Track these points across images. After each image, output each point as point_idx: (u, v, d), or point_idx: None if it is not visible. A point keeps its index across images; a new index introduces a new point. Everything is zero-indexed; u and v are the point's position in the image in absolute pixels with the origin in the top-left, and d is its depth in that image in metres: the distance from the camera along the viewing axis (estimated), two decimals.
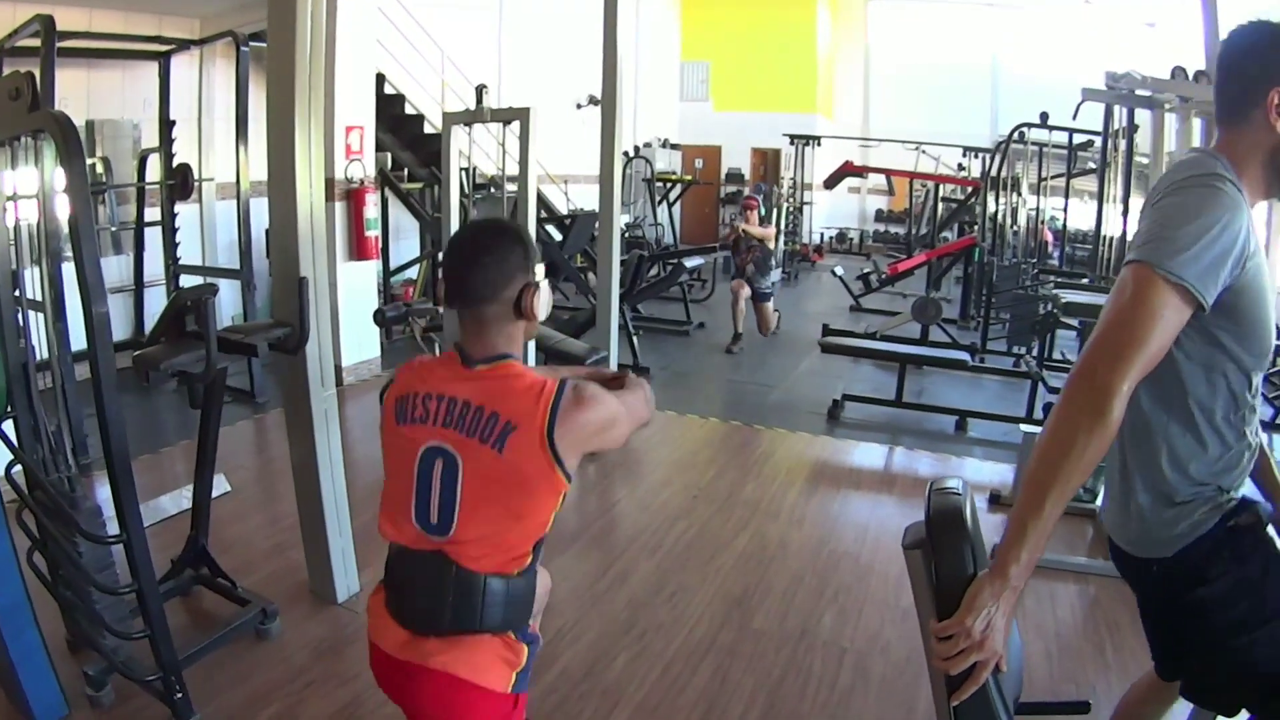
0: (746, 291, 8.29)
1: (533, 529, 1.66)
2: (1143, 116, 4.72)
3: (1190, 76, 3.27)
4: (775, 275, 8.81)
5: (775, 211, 13.11)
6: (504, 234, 1.71)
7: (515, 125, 4.38)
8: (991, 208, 9.15)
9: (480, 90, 4.07)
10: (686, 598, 3.46)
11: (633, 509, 4.36)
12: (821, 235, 17.21)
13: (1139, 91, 3.42)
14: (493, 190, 7.43)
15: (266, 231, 6.28)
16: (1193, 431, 1.56)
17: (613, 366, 5.42)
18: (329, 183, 5.63)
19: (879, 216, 18.65)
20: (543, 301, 1.71)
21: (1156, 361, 1.37)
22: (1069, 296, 4.19)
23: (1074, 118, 4.53)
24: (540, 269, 1.73)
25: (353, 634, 3.06)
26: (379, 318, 5.03)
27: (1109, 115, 5.91)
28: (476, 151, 6.92)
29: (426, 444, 1.64)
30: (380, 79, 7.27)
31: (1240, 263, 1.42)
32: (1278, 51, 1.50)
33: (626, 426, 1.75)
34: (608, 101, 5.14)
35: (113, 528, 2.33)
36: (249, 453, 4.93)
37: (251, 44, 5.17)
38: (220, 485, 3.86)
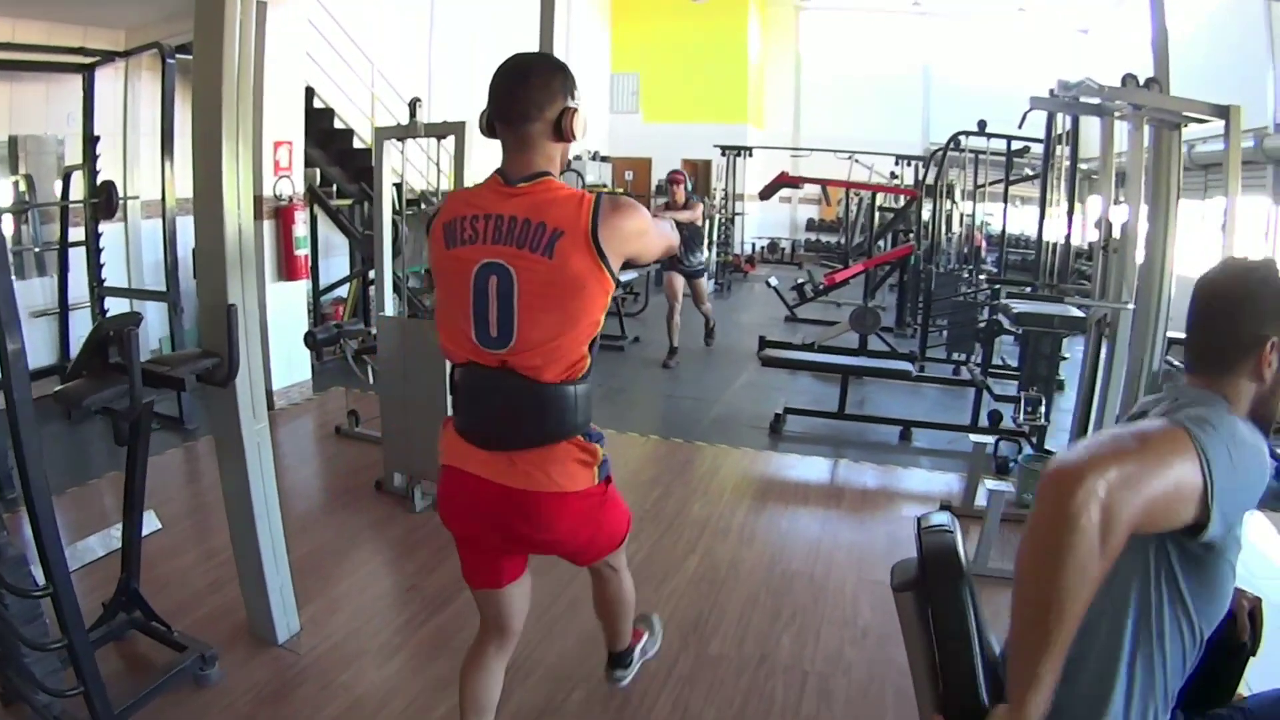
0: (680, 303, 8.05)
1: (586, 330, 1.83)
2: (1087, 122, 4.79)
3: (1141, 83, 3.30)
4: (706, 257, 8.86)
5: (707, 223, 13.12)
6: (547, 60, 1.91)
7: (449, 141, 4.25)
8: (928, 216, 9.26)
9: (414, 104, 3.94)
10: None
11: None
12: (753, 245, 17.35)
13: (1085, 99, 3.44)
14: (423, 206, 7.26)
15: (192, 251, 6.02)
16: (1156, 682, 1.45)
17: None
18: (257, 200, 5.42)
19: (810, 226, 18.91)
20: (580, 123, 1.85)
21: (1151, 521, 1.24)
22: (1020, 307, 4.22)
23: (1020, 126, 4.56)
24: (580, 95, 1.89)
25: (296, 676, 2.90)
26: (310, 340, 4.87)
27: (1051, 121, 6.02)
28: (408, 167, 6.76)
29: (480, 262, 1.80)
30: (309, 93, 7.06)
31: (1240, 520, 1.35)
32: (1268, 294, 1.46)
33: (656, 240, 1.96)
34: None
35: (38, 569, 2.16)
36: (179, 484, 4.68)
37: (178, 56, 4.94)
38: (150, 523, 3.65)
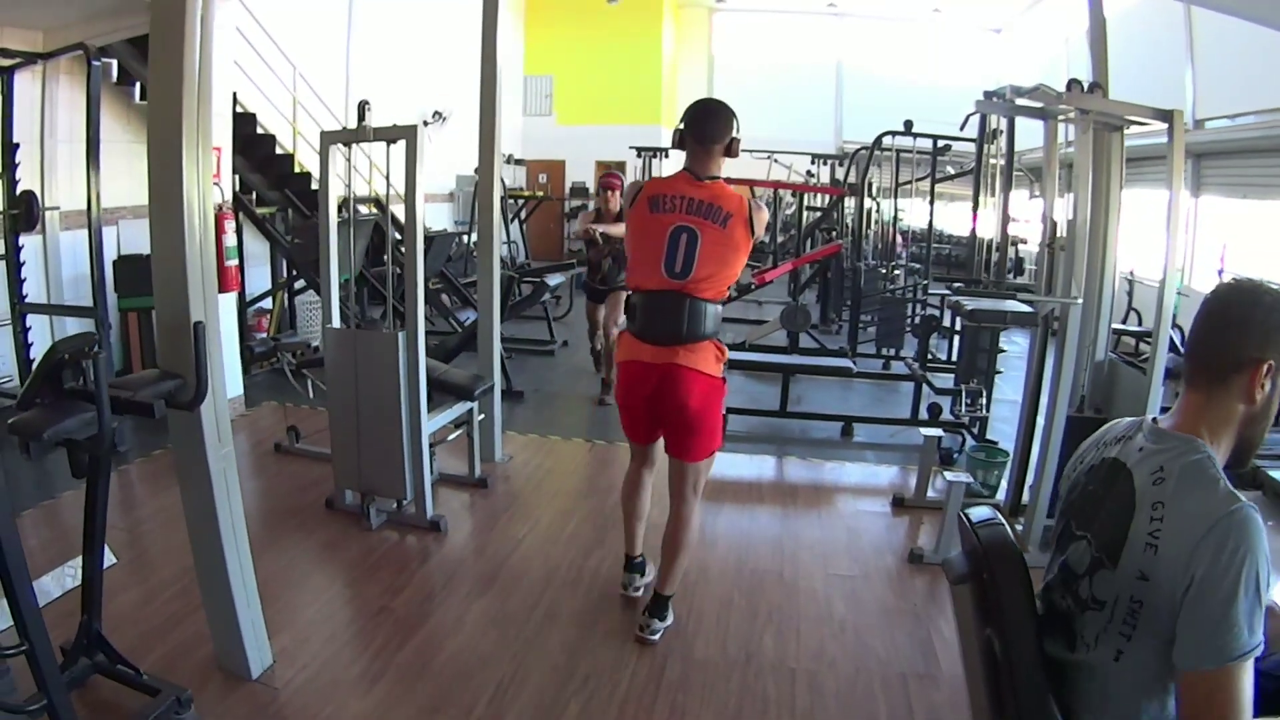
0: (620, 319, 6.13)
1: (734, 273, 3.03)
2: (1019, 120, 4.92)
3: (1085, 88, 3.42)
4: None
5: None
6: (725, 106, 3.04)
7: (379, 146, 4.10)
8: (854, 214, 9.38)
9: (363, 107, 3.79)
10: (621, 633, 3.32)
11: (541, 543, 4.14)
12: None
13: (1030, 103, 3.54)
14: (343, 212, 6.99)
15: (114, 264, 5.72)
16: None
17: (496, 394, 5.19)
18: None
19: None
20: (738, 146, 3.02)
21: None
22: (972, 304, 4.31)
23: (962, 127, 4.66)
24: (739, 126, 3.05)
25: (277, 713, 2.73)
26: (249, 354, 4.66)
27: (985, 121, 6.17)
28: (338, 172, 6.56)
29: (674, 224, 2.92)
30: (233, 99, 6.79)
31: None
32: (1274, 320, 1.52)
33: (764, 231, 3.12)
34: (486, 117, 4.95)
35: None
36: (116, 512, 4.29)
37: (103, 59, 4.64)
38: (106, 558, 3.40)
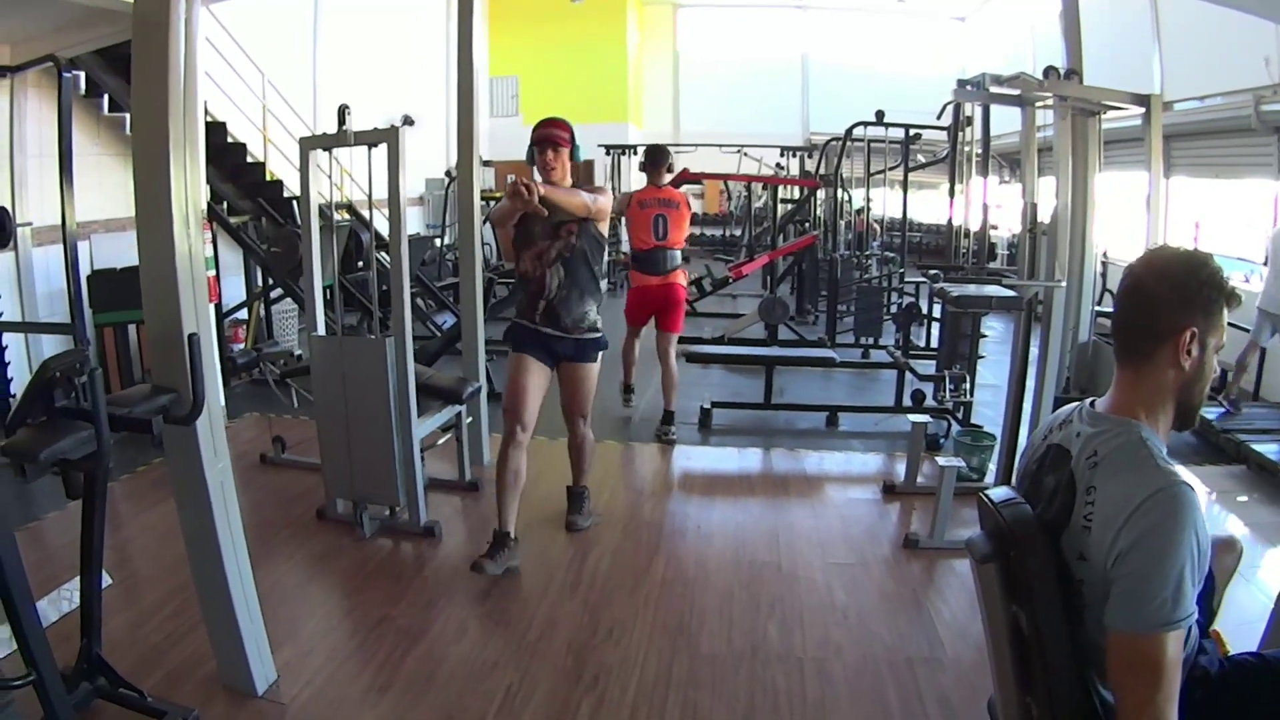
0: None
1: (686, 233, 5.89)
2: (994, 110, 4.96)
3: (1062, 75, 3.46)
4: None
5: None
6: (663, 146, 6.10)
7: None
8: (828, 205, 9.42)
9: (343, 111, 3.73)
10: (625, 634, 3.30)
11: (537, 545, 4.10)
12: None
13: (1008, 90, 3.57)
14: (322, 219, 6.94)
15: (89, 279, 5.61)
16: None
17: (483, 397, 5.15)
18: None
19: (693, 220, 19.10)
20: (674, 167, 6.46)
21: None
22: (956, 290, 4.35)
23: (940, 116, 4.69)
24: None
25: None
26: (230, 365, 4.59)
27: (959, 110, 6.21)
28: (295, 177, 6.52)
29: (655, 212, 5.72)
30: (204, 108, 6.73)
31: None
32: (1192, 286, 1.53)
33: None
34: (465, 120, 4.93)
35: None
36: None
37: (73, 71, 4.52)
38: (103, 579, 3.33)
